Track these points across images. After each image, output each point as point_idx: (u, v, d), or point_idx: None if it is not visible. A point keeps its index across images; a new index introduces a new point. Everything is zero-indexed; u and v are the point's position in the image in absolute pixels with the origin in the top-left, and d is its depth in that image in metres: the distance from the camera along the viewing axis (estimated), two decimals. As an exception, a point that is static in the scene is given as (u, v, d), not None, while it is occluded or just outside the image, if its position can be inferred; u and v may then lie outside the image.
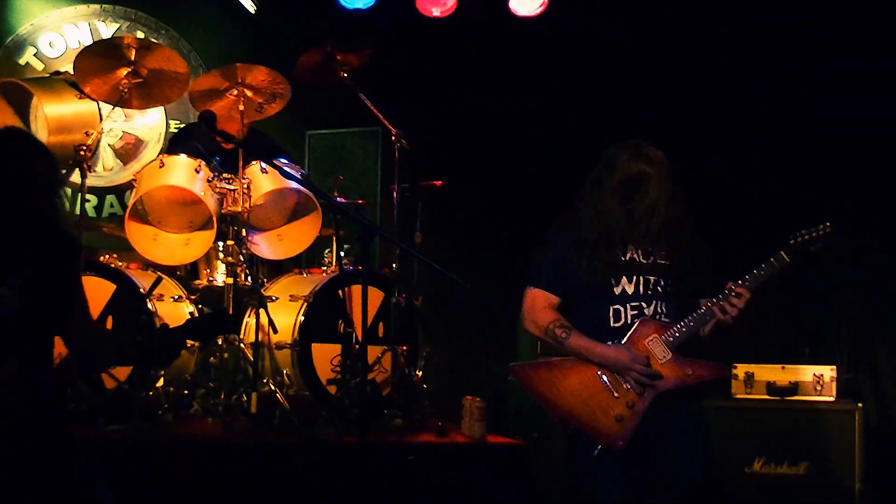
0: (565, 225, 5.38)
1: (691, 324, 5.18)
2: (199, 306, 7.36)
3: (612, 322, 5.20)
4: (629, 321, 5.19)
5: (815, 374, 7.06)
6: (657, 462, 5.13)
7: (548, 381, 5.29)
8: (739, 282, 5.10)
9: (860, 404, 7.01)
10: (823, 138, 8.10)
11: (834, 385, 7.06)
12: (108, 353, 5.17)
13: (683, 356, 5.14)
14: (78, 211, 7.30)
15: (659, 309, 5.21)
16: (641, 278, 5.24)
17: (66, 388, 6.28)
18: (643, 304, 5.21)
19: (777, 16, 8.09)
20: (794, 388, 7.01)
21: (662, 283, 5.24)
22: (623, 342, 5.16)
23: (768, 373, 6.83)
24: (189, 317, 7.22)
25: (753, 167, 8.18)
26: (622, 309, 5.20)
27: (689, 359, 5.15)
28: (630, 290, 5.24)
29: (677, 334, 5.14)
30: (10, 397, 4.67)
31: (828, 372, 7.06)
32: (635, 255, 5.26)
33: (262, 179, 7.30)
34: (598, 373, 5.15)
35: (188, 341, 6.29)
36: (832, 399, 7.04)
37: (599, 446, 5.09)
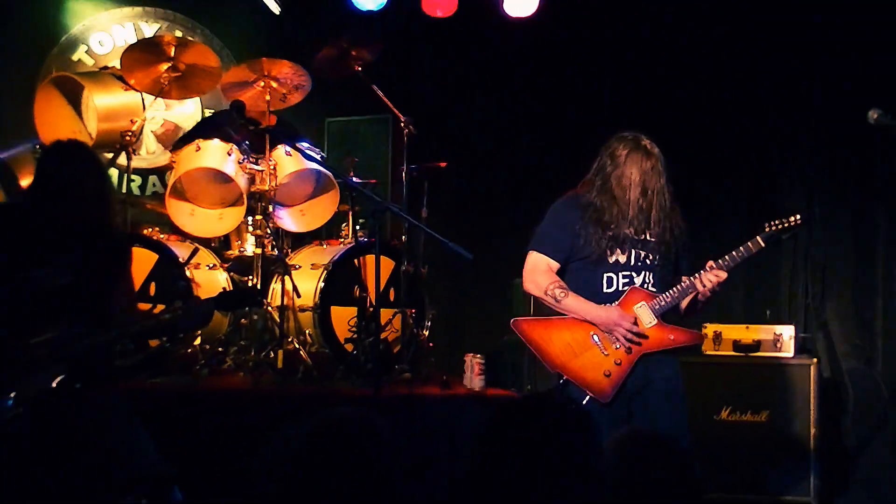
0: (570, 202, 5.43)
1: (675, 295, 5.26)
2: (231, 274, 7.35)
3: (605, 288, 5.30)
4: (620, 288, 5.29)
5: (775, 333, 7.10)
6: (639, 411, 5.22)
7: (545, 336, 5.37)
8: (719, 261, 5.21)
9: (815, 360, 7.06)
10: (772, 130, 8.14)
11: (792, 343, 7.09)
12: (139, 330, 5.40)
13: (667, 323, 5.28)
14: (124, 189, 7.40)
15: (647, 279, 5.31)
16: (633, 251, 5.32)
17: (114, 346, 6.37)
18: (633, 273, 5.31)
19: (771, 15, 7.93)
20: (757, 345, 7.06)
21: (651, 257, 5.33)
22: (615, 305, 5.27)
23: (734, 332, 6.90)
24: (223, 282, 7.22)
25: (729, 161, 8.17)
26: (615, 277, 5.31)
27: (671, 325, 5.29)
28: (623, 260, 5.32)
29: (662, 303, 5.26)
30: (60, 353, 4.82)
31: (787, 331, 7.10)
32: (629, 231, 5.31)
33: (287, 161, 7.33)
34: (591, 332, 5.25)
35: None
36: (790, 355, 7.08)
37: (588, 396, 5.17)
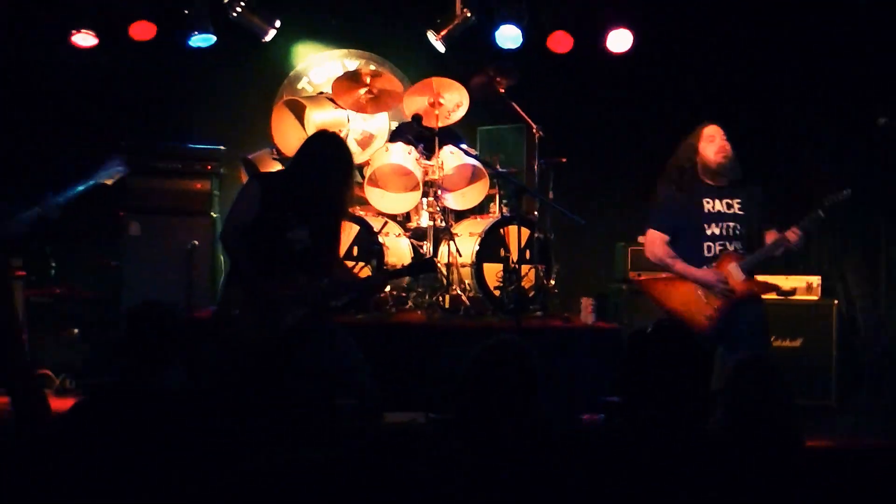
0: (669, 186, 5.53)
1: (759, 255, 5.37)
2: (411, 240, 7.45)
3: (705, 253, 5.42)
4: (716, 253, 5.38)
5: (807, 282, 7.20)
6: (732, 342, 5.29)
7: (663, 289, 5.55)
8: (800, 224, 5.30)
9: (836, 301, 7.19)
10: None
11: (819, 288, 7.20)
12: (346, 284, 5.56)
13: (751, 277, 5.38)
14: None
15: (736, 246, 5.39)
16: (724, 224, 5.42)
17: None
18: (726, 242, 5.40)
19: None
20: (794, 290, 7.17)
21: (738, 227, 5.40)
22: (712, 266, 5.37)
23: (777, 281, 6.71)
24: (405, 247, 7.38)
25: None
26: (712, 245, 5.41)
27: (755, 280, 5.39)
28: (717, 232, 5.41)
29: (748, 263, 5.36)
30: (303, 292, 5.10)
31: (816, 280, 7.21)
32: (721, 207, 5.43)
33: (450, 157, 7.43)
34: (695, 287, 5.39)
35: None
36: (818, 298, 7.19)
37: (695, 336, 5.19)
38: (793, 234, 5.33)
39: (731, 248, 5.40)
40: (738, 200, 5.46)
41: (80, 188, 5.50)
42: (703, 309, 5.37)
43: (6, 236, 5.38)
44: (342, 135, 7.22)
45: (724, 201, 5.45)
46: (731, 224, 5.41)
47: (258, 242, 5.07)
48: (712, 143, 5.46)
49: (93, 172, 5.59)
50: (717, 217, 5.42)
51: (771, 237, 5.45)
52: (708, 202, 5.44)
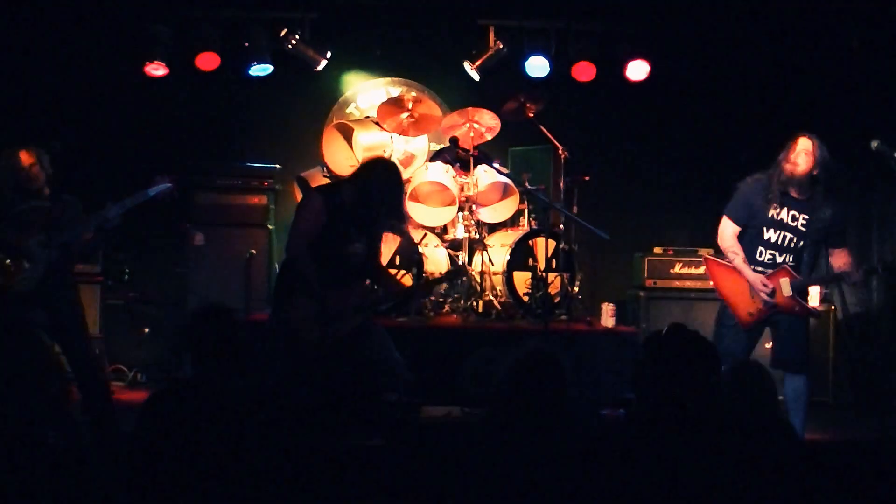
0: (754, 182, 5.32)
1: (813, 279, 5.34)
2: (448, 250, 7.38)
3: (756, 256, 5.29)
4: (766, 259, 5.26)
5: (808, 289, 7.10)
6: (774, 341, 5.38)
7: (719, 273, 5.45)
8: (862, 269, 5.27)
9: (833, 306, 7.16)
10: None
11: (818, 296, 7.11)
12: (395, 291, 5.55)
13: (798, 296, 5.25)
14: None
15: (787, 260, 5.23)
16: (782, 233, 5.25)
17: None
18: (776, 253, 5.25)
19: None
20: (834, 308, 7.14)
21: (795, 240, 5.22)
22: (767, 274, 5.24)
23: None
24: (442, 256, 7.31)
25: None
26: (764, 250, 5.28)
27: (800, 299, 5.28)
28: (774, 238, 5.26)
29: (800, 283, 5.24)
30: (361, 300, 5.17)
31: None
32: (785, 217, 5.23)
33: (484, 175, 7.43)
34: (747, 285, 5.29)
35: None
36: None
37: (735, 321, 5.35)
38: (855, 274, 5.27)
39: (780, 259, 5.29)
40: (806, 217, 5.26)
41: (135, 199, 5.62)
42: (748, 305, 5.30)
43: (74, 241, 5.51)
44: (385, 154, 7.29)
45: (792, 213, 5.25)
46: (790, 236, 5.27)
47: (323, 255, 5.09)
48: (793, 153, 5.23)
49: (143, 189, 5.69)
50: (779, 225, 5.27)
51: (838, 256, 5.34)
52: (776, 208, 5.26)
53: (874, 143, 5.22)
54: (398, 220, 5.42)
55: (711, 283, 5.58)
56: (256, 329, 5.94)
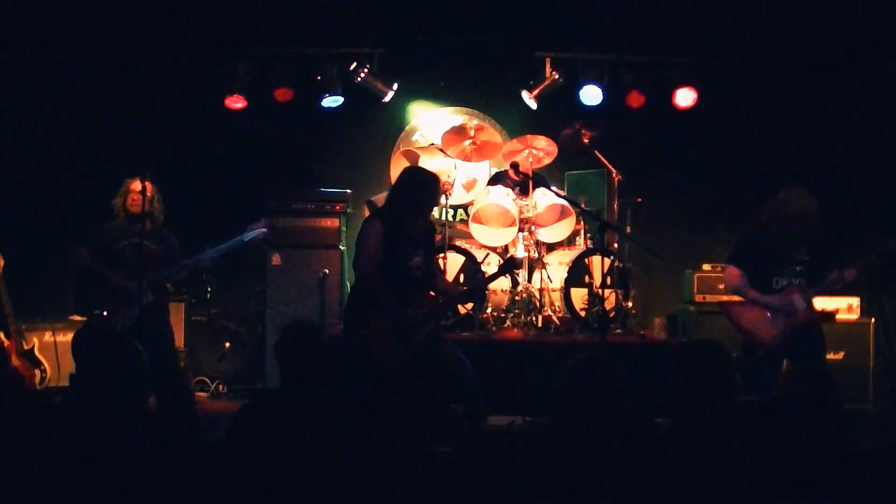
0: (754, 229, 5.51)
1: (820, 289, 5.44)
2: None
3: (773, 286, 5.47)
4: (782, 286, 5.43)
5: (848, 303, 7.21)
6: (795, 357, 5.35)
7: (738, 312, 5.55)
8: (855, 265, 5.41)
9: (873, 319, 7.19)
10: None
11: (859, 308, 7.20)
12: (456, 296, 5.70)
13: (812, 306, 5.46)
14: (445, 218, 7.64)
15: (800, 282, 5.44)
16: (791, 267, 5.47)
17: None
18: (791, 278, 5.45)
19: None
20: (836, 310, 7.05)
21: (803, 270, 5.44)
22: (780, 296, 5.41)
23: (822, 302, 6.65)
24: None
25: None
26: (780, 279, 5.46)
27: (814, 310, 5.49)
28: (785, 272, 5.47)
29: (809, 294, 5.43)
30: (428, 310, 5.25)
31: (855, 301, 7.23)
32: (786, 255, 5.45)
33: (542, 198, 7.41)
34: (765, 313, 5.44)
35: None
36: (857, 317, 7.21)
37: (761, 352, 5.44)
38: (850, 274, 5.42)
39: (794, 283, 5.47)
40: (808, 252, 5.49)
41: (230, 245, 5.89)
42: (770, 330, 5.42)
43: (169, 279, 5.82)
44: (450, 180, 7.32)
45: (794, 254, 5.48)
46: (798, 268, 5.48)
47: (389, 273, 5.25)
48: (792, 203, 5.39)
49: (241, 233, 5.95)
50: (787, 261, 5.49)
51: (832, 275, 5.46)
52: (781, 251, 5.48)
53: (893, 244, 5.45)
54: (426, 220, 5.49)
55: (733, 324, 5.65)
56: (332, 344, 6.11)
